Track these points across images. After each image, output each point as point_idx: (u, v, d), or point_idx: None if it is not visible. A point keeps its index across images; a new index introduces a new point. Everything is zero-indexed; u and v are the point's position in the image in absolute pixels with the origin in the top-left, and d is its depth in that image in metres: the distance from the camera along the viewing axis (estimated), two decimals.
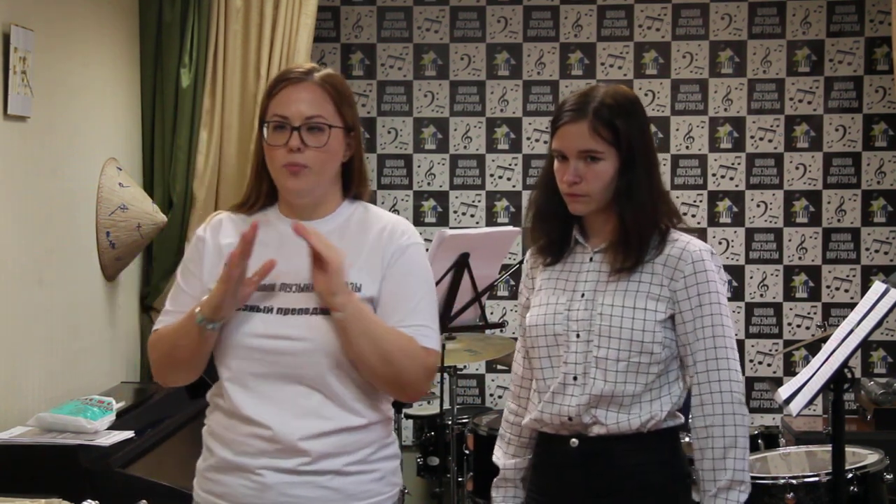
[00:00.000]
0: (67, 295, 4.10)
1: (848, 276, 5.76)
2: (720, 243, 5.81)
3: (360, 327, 2.34)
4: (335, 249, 2.35)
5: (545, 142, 5.57)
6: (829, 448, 3.34)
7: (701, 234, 5.68)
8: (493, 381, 5.89)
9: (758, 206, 5.80)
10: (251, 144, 4.36)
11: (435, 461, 5.19)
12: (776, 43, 5.78)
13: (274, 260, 2.36)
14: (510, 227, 4.70)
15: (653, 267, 2.57)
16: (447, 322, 3.96)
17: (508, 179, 5.86)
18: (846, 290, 5.76)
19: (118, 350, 4.59)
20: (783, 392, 3.10)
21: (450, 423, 4.86)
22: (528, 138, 5.85)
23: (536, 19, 5.84)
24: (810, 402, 3.08)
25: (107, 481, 3.34)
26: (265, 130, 2.44)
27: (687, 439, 3.74)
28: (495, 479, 2.83)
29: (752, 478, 3.82)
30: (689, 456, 2.72)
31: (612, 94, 2.57)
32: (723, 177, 5.81)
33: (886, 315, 3.12)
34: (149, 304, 4.81)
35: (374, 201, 6.12)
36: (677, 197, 5.78)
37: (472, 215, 5.88)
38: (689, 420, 2.64)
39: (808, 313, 5.78)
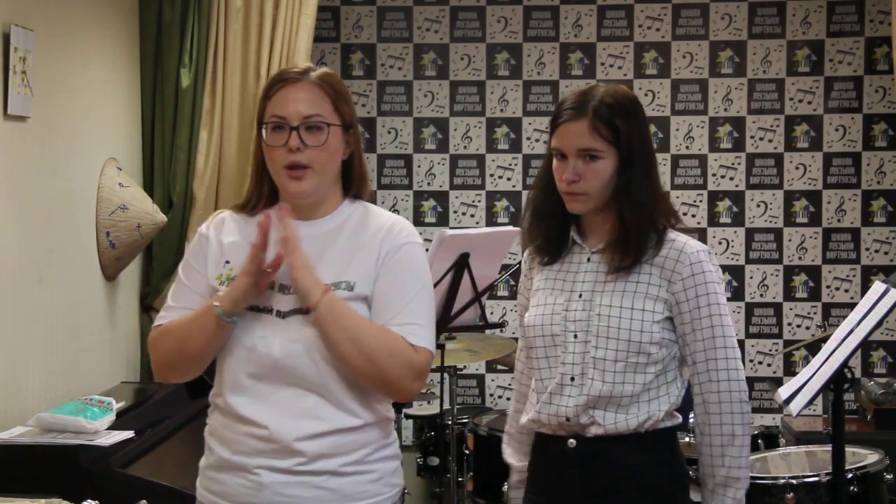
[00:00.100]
0: (67, 295, 4.10)
1: (848, 276, 5.76)
2: (720, 243, 5.81)
3: (336, 325, 2.34)
4: (296, 252, 2.36)
5: (545, 142, 5.58)
6: (829, 448, 3.33)
7: (701, 234, 5.72)
8: (493, 381, 5.89)
9: (758, 206, 5.80)
10: (251, 145, 4.36)
11: (435, 461, 5.19)
12: (776, 43, 5.78)
13: (282, 254, 2.37)
14: (510, 227, 4.70)
15: (650, 268, 2.57)
16: (447, 322, 3.95)
17: (508, 179, 5.86)
18: (846, 290, 5.76)
19: (118, 350, 4.59)
20: (783, 392, 3.09)
21: (450, 423, 4.86)
22: (528, 138, 5.85)
23: (536, 19, 5.84)
24: (810, 402, 3.07)
25: (107, 481, 3.34)
26: (263, 132, 2.44)
27: (687, 439, 3.75)
28: (512, 480, 2.82)
29: (752, 478, 3.84)
30: (688, 456, 2.73)
31: (612, 93, 2.58)
32: (723, 177, 5.81)
33: (886, 315, 3.12)
34: (149, 304, 4.81)
35: (374, 201, 6.12)
36: (677, 197, 5.78)
37: (472, 215, 5.88)
38: (690, 419, 2.65)
39: (808, 313, 5.78)
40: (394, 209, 5.82)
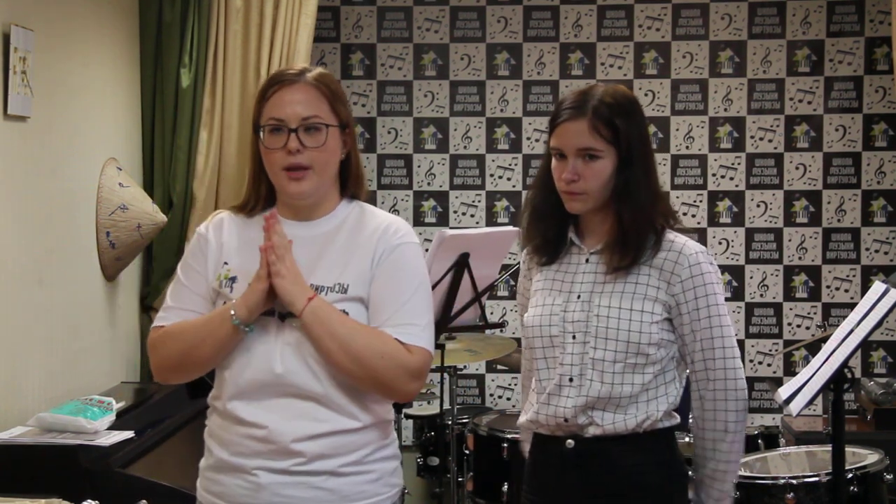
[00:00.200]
0: (67, 295, 4.10)
1: (848, 276, 5.76)
2: (720, 243, 5.81)
3: (323, 331, 2.34)
4: (284, 259, 2.36)
5: (545, 142, 5.58)
6: (829, 448, 3.33)
7: (701, 234, 5.72)
8: (493, 381, 5.89)
9: (758, 206, 5.80)
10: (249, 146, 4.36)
11: (435, 461, 5.19)
12: (776, 43, 5.78)
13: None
14: (510, 227, 4.70)
15: (649, 269, 2.57)
16: (447, 322, 3.95)
17: (508, 179, 5.86)
18: (846, 290, 5.76)
19: (118, 350, 4.59)
20: (783, 392, 3.09)
21: (450, 423, 4.86)
22: (528, 138, 5.85)
23: (536, 19, 5.84)
24: (810, 402, 3.07)
25: (107, 481, 3.34)
26: (261, 134, 2.44)
27: (686, 439, 3.75)
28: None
29: (752, 478, 3.85)
30: (686, 455, 2.73)
31: (612, 93, 2.58)
32: (723, 177, 5.81)
33: (886, 315, 3.12)
34: (149, 304, 4.81)
35: (374, 201, 6.13)
36: (677, 197, 5.78)
37: (472, 215, 5.88)
38: (689, 419, 2.66)
39: (808, 313, 5.78)
40: (394, 209, 5.82)
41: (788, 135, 5.79)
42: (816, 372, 3.10)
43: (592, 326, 2.56)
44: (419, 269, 2.47)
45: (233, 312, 2.37)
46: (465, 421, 4.98)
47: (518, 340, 5.09)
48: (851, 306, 3.64)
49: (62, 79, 4.07)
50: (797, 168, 5.79)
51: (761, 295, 5.80)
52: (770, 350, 5.79)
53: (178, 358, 2.45)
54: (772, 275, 5.80)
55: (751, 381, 5.76)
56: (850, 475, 3.65)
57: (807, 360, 5.59)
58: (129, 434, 3.57)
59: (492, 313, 5.71)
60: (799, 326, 5.78)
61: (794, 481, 3.70)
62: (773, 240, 5.80)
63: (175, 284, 2.54)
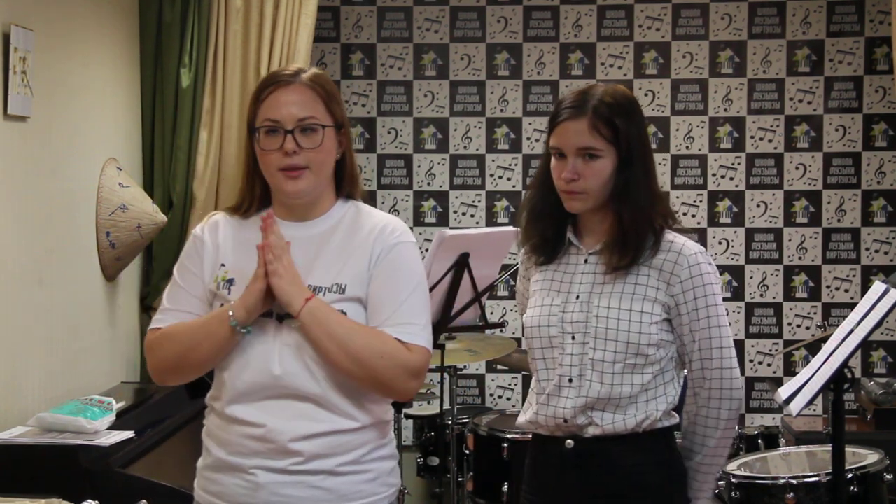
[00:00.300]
0: (67, 295, 4.10)
1: (848, 276, 5.76)
2: (720, 243, 5.81)
3: (321, 332, 2.34)
4: (281, 259, 2.36)
5: (545, 141, 5.58)
6: (829, 448, 3.33)
7: (701, 234, 5.71)
8: (493, 381, 5.89)
9: (758, 206, 5.80)
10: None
11: (435, 461, 5.19)
12: (776, 43, 5.78)
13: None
14: (510, 227, 4.70)
15: (648, 269, 2.57)
16: (447, 322, 3.95)
17: (508, 179, 5.86)
18: (846, 290, 5.76)
19: (118, 350, 4.59)
20: (783, 392, 3.09)
21: (450, 423, 4.86)
22: (528, 138, 5.85)
23: (536, 19, 5.84)
24: (810, 402, 3.07)
25: (107, 481, 3.34)
26: (257, 136, 2.44)
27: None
28: None
29: (752, 478, 3.85)
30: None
31: (612, 93, 2.58)
32: (723, 177, 5.81)
33: (886, 315, 3.12)
34: (149, 304, 4.81)
35: (374, 201, 6.12)
36: (677, 197, 5.78)
37: (472, 215, 5.88)
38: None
39: (808, 313, 5.77)
40: (394, 209, 5.82)
41: (788, 135, 5.79)
42: (816, 372, 3.10)
43: (592, 327, 2.56)
44: (416, 269, 2.47)
45: (231, 314, 2.36)
46: (465, 421, 4.98)
47: (518, 340, 5.11)
48: (851, 306, 3.64)
49: (62, 79, 4.07)
50: (797, 168, 5.79)
51: (761, 295, 5.80)
52: (770, 350, 5.79)
53: (176, 360, 2.45)
54: (772, 275, 5.80)
55: (751, 381, 5.77)
56: (850, 475, 3.65)
57: (807, 360, 5.59)
58: (129, 434, 3.57)
59: (492, 313, 5.71)
60: (799, 326, 5.78)
61: (794, 481, 3.71)
62: (773, 240, 5.80)
63: (171, 286, 2.54)
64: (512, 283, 5.68)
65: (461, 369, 5.62)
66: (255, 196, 2.51)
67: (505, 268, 4.69)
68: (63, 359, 4.05)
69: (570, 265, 2.65)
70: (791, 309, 5.79)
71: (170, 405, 4.02)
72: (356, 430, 2.41)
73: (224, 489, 2.42)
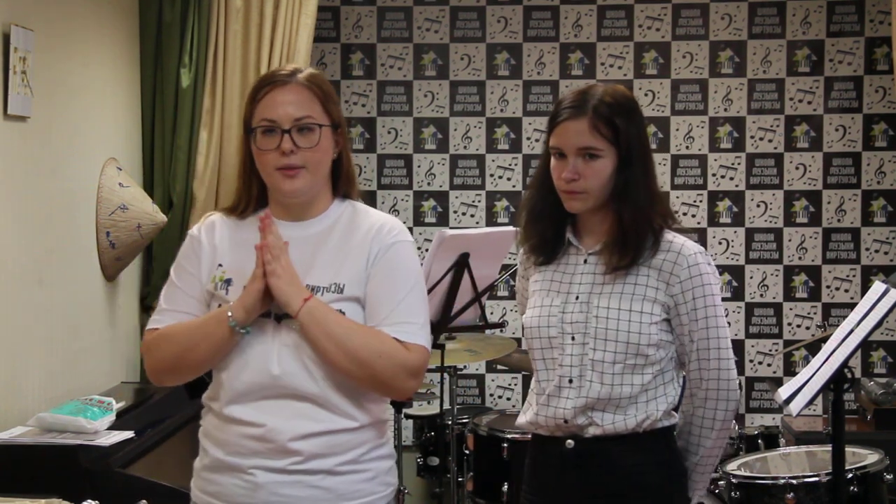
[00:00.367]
0: (67, 295, 4.10)
1: (848, 276, 5.76)
2: (720, 243, 5.81)
3: (320, 332, 2.34)
4: (279, 259, 2.36)
5: (544, 142, 5.57)
6: (829, 448, 3.33)
7: (701, 234, 5.71)
8: (493, 381, 5.89)
9: (758, 206, 5.80)
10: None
11: (435, 461, 5.19)
12: (776, 43, 5.78)
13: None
14: (510, 227, 4.70)
15: (648, 269, 2.57)
16: (447, 322, 3.95)
17: (508, 179, 5.86)
18: (846, 290, 5.76)
19: (118, 350, 4.59)
20: (783, 392, 3.09)
21: (450, 423, 4.86)
22: (528, 138, 5.85)
23: (536, 19, 5.84)
24: (810, 402, 3.07)
25: (107, 481, 3.34)
26: (254, 135, 2.44)
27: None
28: None
29: (752, 478, 3.85)
30: None
31: (612, 92, 2.58)
32: (723, 177, 5.81)
33: (886, 315, 3.12)
34: (149, 304, 4.81)
35: (374, 201, 6.12)
36: (677, 197, 5.78)
37: (472, 215, 5.88)
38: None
39: (808, 313, 5.77)
40: (394, 209, 5.82)
41: (788, 135, 5.78)
42: (816, 372, 3.10)
43: (591, 327, 2.56)
44: (414, 268, 2.47)
45: (230, 315, 2.36)
46: (465, 421, 4.98)
47: (518, 340, 5.11)
48: (851, 306, 3.64)
49: (62, 79, 4.07)
50: (797, 168, 5.79)
51: (761, 295, 5.80)
52: (770, 350, 5.79)
53: (173, 360, 2.45)
54: (772, 275, 5.80)
55: (751, 381, 5.77)
56: (850, 475, 3.65)
57: (807, 360, 5.59)
58: (129, 434, 3.57)
59: (492, 313, 5.71)
60: (799, 326, 5.78)
61: (794, 481, 3.71)
62: (773, 240, 5.80)
63: (168, 287, 2.53)
64: (512, 283, 5.68)
65: (461, 369, 5.62)
66: (251, 196, 2.51)
67: (505, 268, 4.69)
68: (63, 359, 4.05)
69: (570, 265, 2.65)
70: (791, 309, 5.79)
71: (170, 405, 4.02)
72: (355, 430, 2.41)
73: (222, 489, 2.41)
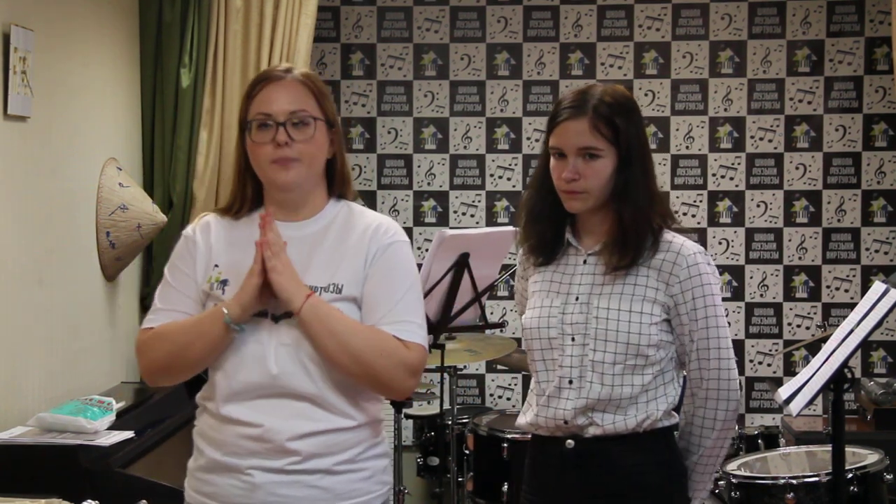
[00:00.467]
0: (67, 295, 4.10)
1: (848, 276, 5.76)
2: (720, 243, 5.81)
3: (322, 329, 2.34)
4: (280, 256, 2.36)
5: (544, 142, 5.57)
6: (829, 448, 3.34)
7: (701, 234, 5.71)
8: (493, 381, 5.89)
9: (758, 206, 5.80)
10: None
11: (435, 461, 5.19)
12: (776, 43, 5.78)
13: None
14: (510, 227, 4.70)
15: (648, 270, 2.57)
16: (447, 322, 3.95)
17: (508, 179, 5.86)
18: (846, 290, 5.76)
19: (118, 350, 4.59)
20: (783, 392, 3.09)
21: (450, 423, 4.86)
22: (528, 138, 5.85)
23: (536, 19, 5.84)
24: (810, 402, 3.07)
25: (107, 481, 3.34)
26: (249, 130, 2.43)
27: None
28: None
29: (752, 478, 3.85)
30: None
31: (611, 92, 2.58)
32: (723, 177, 5.81)
33: (886, 315, 3.12)
34: (149, 304, 4.75)
35: (374, 201, 6.11)
36: (677, 197, 5.78)
37: (472, 215, 5.88)
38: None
39: (808, 313, 5.77)
40: (394, 209, 5.82)
41: (788, 135, 5.79)
42: (816, 372, 3.10)
43: (591, 328, 2.56)
44: (412, 268, 2.48)
45: (225, 311, 2.36)
46: (465, 421, 4.98)
47: (518, 340, 5.10)
48: (851, 306, 3.64)
49: (62, 79, 4.07)
50: (797, 168, 5.79)
51: (761, 295, 5.80)
52: (770, 350, 5.79)
53: (168, 359, 2.44)
54: (772, 275, 5.80)
55: (751, 381, 5.77)
56: (850, 475, 3.65)
57: (807, 360, 5.59)
58: (129, 434, 3.57)
59: (492, 313, 5.71)
60: (799, 326, 5.78)
61: (794, 481, 3.71)
62: (773, 240, 5.80)
63: (163, 286, 2.52)
64: (512, 283, 5.67)
65: (461, 369, 5.62)
66: (246, 197, 2.51)
67: (505, 268, 4.69)
68: (63, 359, 4.05)
69: (570, 266, 2.64)
70: (791, 309, 5.79)
71: (170, 405, 4.02)
72: (352, 429, 2.41)
73: (218, 490, 2.41)
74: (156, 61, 4.85)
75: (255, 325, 2.39)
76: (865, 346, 5.63)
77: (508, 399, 5.86)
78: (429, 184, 5.88)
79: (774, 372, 5.78)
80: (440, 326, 3.94)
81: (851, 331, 3.12)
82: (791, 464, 4.18)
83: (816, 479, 3.70)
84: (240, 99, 4.72)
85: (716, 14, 5.79)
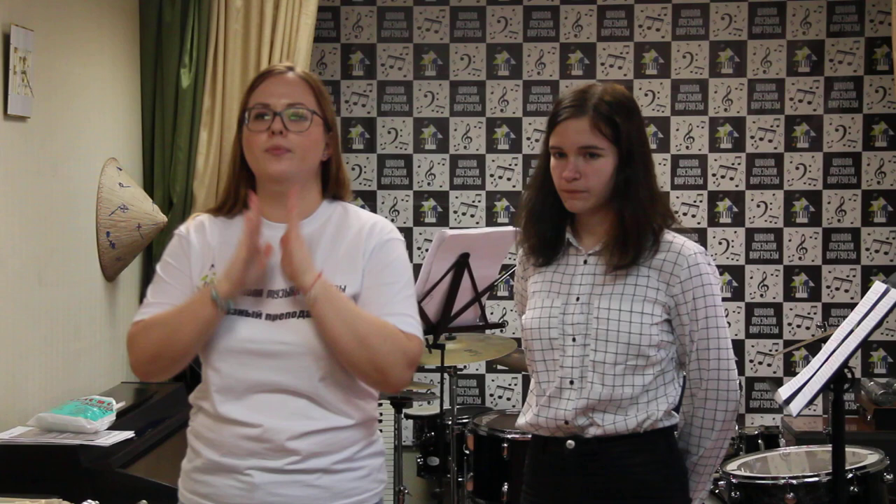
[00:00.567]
0: (67, 295, 4.10)
1: (848, 276, 5.76)
2: (720, 243, 5.81)
3: (332, 308, 2.33)
4: (297, 236, 2.37)
5: (544, 141, 5.57)
6: (829, 448, 3.34)
7: (701, 234, 5.72)
8: (493, 381, 5.89)
9: (758, 206, 5.80)
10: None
11: (435, 461, 5.19)
12: (776, 43, 5.78)
13: (271, 245, 2.38)
14: (510, 228, 4.70)
15: (648, 270, 2.57)
16: (447, 322, 3.96)
17: (508, 179, 5.86)
18: (846, 290, 5.76)
19: (118, 350, 4.59)
20: (783, 392, 3.09)
21: (450, 423, 4.86)
22: (528, 138, 5.85)
23: (536, 19, 5.84)
24: (810, 402, 3.07)
25: (107, 481, 3.34)
26: (246, 120, 2.43)
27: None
28: None
29: (752, 478, 3.85)
30: None
31: (611, 92, 2.58)
32: (723, 177, 5.81)
33: (886, 315, 3.12)
34: None
35: (374, 201, 6.11)
36: (677, 197, 5.78)
37: (472, 215, 5.88)
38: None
39: (808, 313, 5.78)
40: (394, 209, 5.82)
41: (788, 135, 5.79)
42: (816, 372, 3.10)
43: (592, 329, 2.55)
44: (407, 265, 2.50)
45: (213, 290, 2.35)
46: (465, 421, 4.98)
47: (518, 340, 5.10)
48: (851, 306, 3.64)
49: (62, 79, 4.07)
50: (797, 168, 5.79)
51: (761, 295, 5.80)
52: (770, 350, 5.79)
53: (157, 346, 2.39)
54: (772, 275, 5.80)
55: (751, 381, 5.77)
56: (850, 475, 3.65)
57: (807, 360, 5.59)
58: (129, 434, 3.57)
59: (492, 313, 5.71)
60: (799, 326, 5.78)
61: (794, 481, 3.70)
62: (773, 240, 5.80)
63: (155, 283, 2.50)
64: (512, 283, 5.68)
65: (461, 369, 5.62)
66: (239, 195, 2.50)
67: (505, 268, 4.69)
68: (63, 359, 4.05)
69: (570, 266, 2.64)
70: (791, 309, 5.79)
71: (170, 405, 4.02)
72: (349, 428, 2.41)
73: (216, 490, 2.39)
74: (156, 61, 4.85)
75: (252, 324, 2.39)
76: (865, 346, 5.63)
77: (508, 399, 5.86)
78: (429, 184, 5.88)
79: (774, 372, 5.79)
80: (440, 326, 3.94)
81: (851, 331, 3.12)
82: (791, 464, 4.18)
83: (816, 479, 3.70)
84: (240, 99, 4.76)
85: (716, 14, 5.79)
